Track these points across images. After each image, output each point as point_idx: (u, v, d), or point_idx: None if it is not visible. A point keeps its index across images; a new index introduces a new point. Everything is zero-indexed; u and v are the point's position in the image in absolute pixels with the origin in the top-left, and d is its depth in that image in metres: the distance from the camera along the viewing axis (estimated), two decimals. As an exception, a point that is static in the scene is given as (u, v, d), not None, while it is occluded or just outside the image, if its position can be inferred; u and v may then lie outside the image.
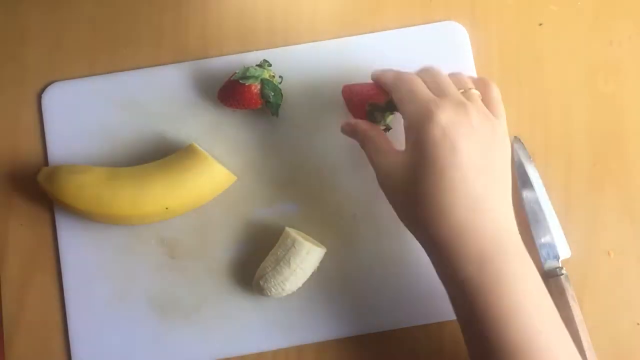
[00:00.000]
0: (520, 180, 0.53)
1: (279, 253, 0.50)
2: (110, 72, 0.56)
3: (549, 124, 0.55)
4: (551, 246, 0.52)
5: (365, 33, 0.56)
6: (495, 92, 0.47)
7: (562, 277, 0.51)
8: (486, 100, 0.47)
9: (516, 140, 0.54)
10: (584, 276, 0.52)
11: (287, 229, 0.51)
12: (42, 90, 0.55)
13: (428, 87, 0.46)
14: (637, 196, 0.54)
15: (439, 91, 0.45)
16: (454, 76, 0.48)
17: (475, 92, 0.46)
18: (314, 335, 0.52)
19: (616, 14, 0.57)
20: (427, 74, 0.47)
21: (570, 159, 0.54)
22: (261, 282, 0.49)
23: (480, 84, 0.48)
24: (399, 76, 0.47)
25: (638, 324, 0.52)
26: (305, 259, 0.49)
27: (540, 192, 0.53)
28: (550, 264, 0.51)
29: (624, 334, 0.52)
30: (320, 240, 0.52)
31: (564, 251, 0.52)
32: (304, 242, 0.49)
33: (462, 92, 0.46)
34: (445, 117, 0.42)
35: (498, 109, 0.47)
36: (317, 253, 0.50)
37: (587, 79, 0.56)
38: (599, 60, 0.56)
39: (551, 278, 0.51)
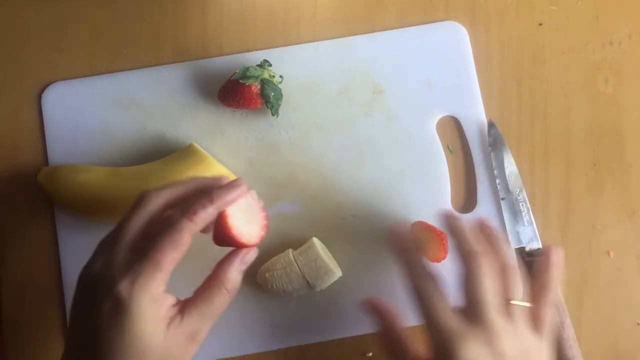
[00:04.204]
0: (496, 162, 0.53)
1: (297, 260, 0.49)
2: (110, 72, 0.56)
3: (549, 124, 0.55)
4: (532, 229, 0.52)
5: (365, 33, 0.56)
6: (548, 304, 0.42)
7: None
8: (534, 312, 0.42)
9: (491, 125, 0.53)
10: (584, 276, 0.52)
11: (314, 240, 0.50)
12: (42, 90, 0.55)
13: (467, 291, 0.41)
14: (637, 196, 0.54)
15: (472, 304, 0.40)
16: (510, 275, 0.42)
17: (520, 306, 0.41)
18: (314, 335, 0.52)
19: (616, 14, 0.57)
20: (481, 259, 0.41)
21: (570, 159, 0.54)
22: (267, 275, 0.49)
23: (537, 286, 0.43)
24: (422, 277, 0.42)
25: (638, 324, 0.52)
26: (319, 277, 0.49)
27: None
28: (532, 245, 0.52)
29: (624, 334, 0.52)
30: (320, 239, 0.52)
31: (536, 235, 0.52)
32: (326, 263, 0.48)
33: (503, 304, 0.41)
34: (469, 354, 0.38)
35: (544, 325, 0.41)
36: (333, 276, 0.49)
37: (587, 79, 0.56)
38: (599, 60, 0.56)
39: (533, 258, 0.51)
